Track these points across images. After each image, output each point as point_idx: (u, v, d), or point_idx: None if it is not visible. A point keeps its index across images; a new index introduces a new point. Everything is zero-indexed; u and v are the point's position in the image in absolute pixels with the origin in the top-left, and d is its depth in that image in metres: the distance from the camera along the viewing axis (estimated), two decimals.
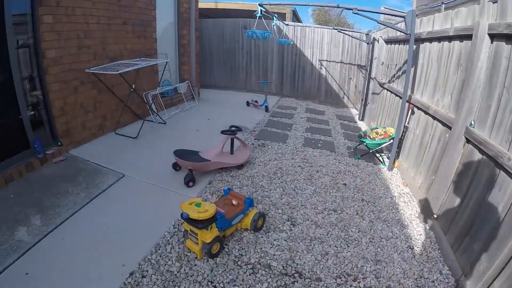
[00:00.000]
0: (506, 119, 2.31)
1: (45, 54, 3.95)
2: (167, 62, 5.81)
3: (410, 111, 4.30)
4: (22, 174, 3.68)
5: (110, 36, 5.01)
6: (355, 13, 4.00)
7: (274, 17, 7.00)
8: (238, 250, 2.70)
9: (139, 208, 3.20)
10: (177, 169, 3.87)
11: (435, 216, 3.15)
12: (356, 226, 3.12)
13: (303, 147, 5.07)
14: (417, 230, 3.19)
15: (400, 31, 4.24)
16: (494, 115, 2.49)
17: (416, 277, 2.57)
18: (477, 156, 2.65)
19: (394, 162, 4.53)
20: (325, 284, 2.42)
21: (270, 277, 2.44)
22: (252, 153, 4.56)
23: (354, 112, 8.46)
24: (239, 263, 2.56)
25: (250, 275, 2.45)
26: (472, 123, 2.79)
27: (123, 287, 2.26)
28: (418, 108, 4.12)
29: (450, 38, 3.48)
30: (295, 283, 2.40)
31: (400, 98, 4.60)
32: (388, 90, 5.82)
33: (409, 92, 4.33)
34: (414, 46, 4.27)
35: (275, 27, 7.72)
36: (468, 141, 2.84)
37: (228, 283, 2.35)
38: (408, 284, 2.48)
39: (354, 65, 8.76)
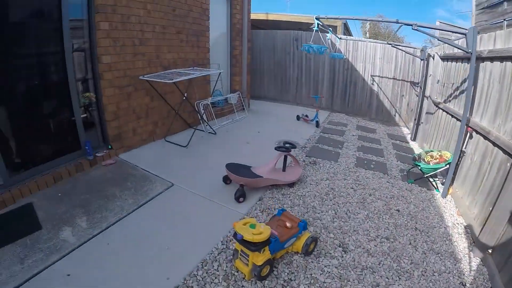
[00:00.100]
0: None
1: (100, 59, 4.04)
2: (220, 72, 5.76)
3: (468, 135, 4.03)
4: (71, 174, 3.72)
5: (164, 44, 5.07)
6: (415, 29, 3.84)
7: (329, 31, 6.78)
8: (287, 274, 2.54)
9: (187, 221, 3.10)
10: (227, 183, 3.75)
11: (489, 251, 2.92)
12: (408, 257, 2.91)
13: (355, 168, 4.81)
14: (470, 265, 2.95)
15: (461, 49, 3.92)
16: None
17: None
18: None
19: (448, 188, 4.24)
20: None
21: None
22: (304, 171, 4.36)
23: (406, 131, 7.96)
24: None
25: None
26: None
27: None
28: (477, 132, 3.81)
29: None
30: None
31: (457, 120, 4.43)
32: (443, 110, 5.40)
33: (467, 115, 4.00)
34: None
35: (329, 41, 7.54)
36: None
37: None
38: None
39: (407, 81, 8.23)
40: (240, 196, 3.40)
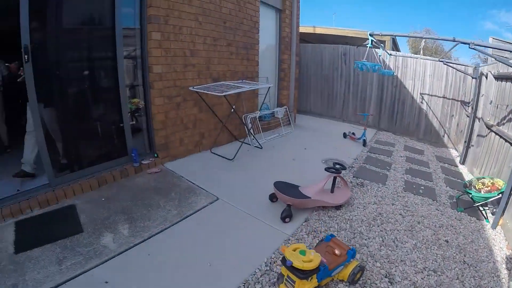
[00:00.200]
0: None
1: (151, 69, 4.10)
2: (269, 87, 5.66)
3: None
4: (115, 179, 3.73)
5: (215, 56, 5.08)
6: (472, 48, 3.72)
7: (381, 47, 6.53)
8: None
9: (230, 238, 2.97)
10: (273, 201, 3.61)
11: None
12: None
13: (404, 192, 4.50)
14: None
15: None
16: None
17: None
18: None
19: (499, 219, 3.92)
20: None
21: None
22: (351, 193, 4.13)
23: (454, 154, 7.34)
24: None
25: None
26: None
27: None
28: None
29: None
30: None
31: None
32: (496, 133, 4.94)
33: None
34: None
35: (380, 57, 7.30)
36: None
37: None
38: None
39: (457, 101, 7.60)
40: (287, 216, 3.25)
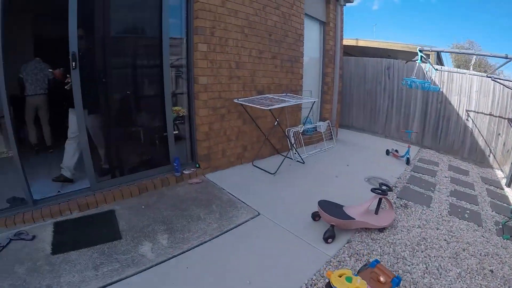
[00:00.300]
0: None
1: (197, 80, 4.11)
2: (314, 102, 5.52)
3: None
4: (156, 188, 3.71)
5: (260, 69, 5.03)
6: None
7: (428, 62, 6.21)
8: None
9: (271, 256, 2.82)
10: (316, 219, 3.47)
11: None
12: None
13: (449, 216, 4.20)
14: None
15: None
16: None
17: None
18: None
19: None
20: None
21: None
22: (395, 215, 3.92)
23: (500, 175, 6.71)
24: None
25: None
26: None
27: None
28: None
29: None
30: None
31: None
32: None
33: None
34: None
35: (427, 72, 6.96)
36: None
37: None
38: None
39: (505, 118, 6.91)
40: (330, 237, 3.11)
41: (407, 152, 6.28)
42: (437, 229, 3.76)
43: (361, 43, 10.63)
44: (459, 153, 7.81)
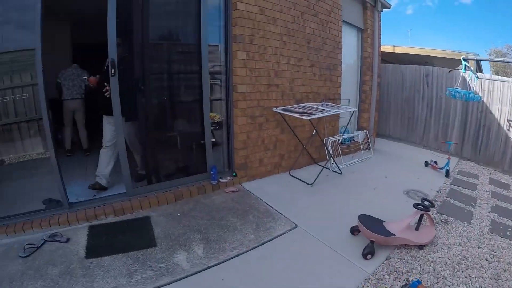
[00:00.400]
0: None
1: (236, 88, 4.07)
2: (353, 111, 5.32)
3: None
4: (192, 195, 3.67)
5: (298, 77, 4.92)
6: None
7: (470, 70, 5.89)
8: None
9: (309, 270, 2.72)
10: (354, 234, 3.34)
11: None
12: None
13: (490, 234, 3.92)
14: None
15: None
16: None
17: None
18: None
19: None
20: None
21: None
22: (436, 231, 3.71)
23: None
24: None
25: None
26: None
27: None
28: None
29: None
30: None
31: None
32: None
33: None
34: None
35: (469, 82, 6.61)
36: None
37: None
38: None
39: None
40: (369, 253, 2.98)
41: (447, 164, 5.91)
42: (478, 248, 3.54)
43: (398, 50, 10.34)
44: (499, 165, 7.28)
